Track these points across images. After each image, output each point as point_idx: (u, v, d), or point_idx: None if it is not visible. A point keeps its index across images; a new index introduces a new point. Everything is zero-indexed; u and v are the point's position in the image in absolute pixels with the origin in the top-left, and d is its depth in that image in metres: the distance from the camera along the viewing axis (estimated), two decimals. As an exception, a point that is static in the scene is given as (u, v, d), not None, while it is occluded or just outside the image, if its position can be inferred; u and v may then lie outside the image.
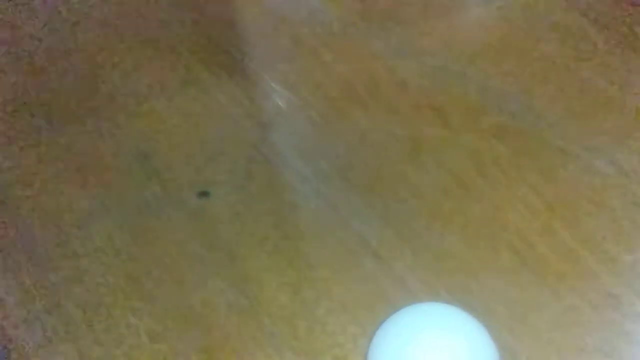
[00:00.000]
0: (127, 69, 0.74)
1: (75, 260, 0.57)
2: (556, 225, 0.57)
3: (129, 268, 0.56)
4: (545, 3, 0.76)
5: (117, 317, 0.53)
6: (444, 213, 0.59)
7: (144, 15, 0.80)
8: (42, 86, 0.72)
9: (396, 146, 0.64)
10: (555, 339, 0.50)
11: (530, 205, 0.58)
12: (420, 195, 0.60)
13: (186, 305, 0.54)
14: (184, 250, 0.57)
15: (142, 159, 0.64)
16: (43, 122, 0.69)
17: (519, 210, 0.58)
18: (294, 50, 0.75)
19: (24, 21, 0.81)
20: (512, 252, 0.55)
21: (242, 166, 0.63)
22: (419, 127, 0.65)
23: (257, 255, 0.57)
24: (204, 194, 0.61)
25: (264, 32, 0.78)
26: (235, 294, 0.54)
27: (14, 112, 0.70)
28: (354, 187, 0.61)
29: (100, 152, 0.65)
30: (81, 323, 0.53)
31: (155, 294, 0.54)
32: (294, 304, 0.53)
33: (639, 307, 0.51)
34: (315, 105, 0.69)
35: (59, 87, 0.72)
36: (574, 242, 0.56)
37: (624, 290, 0.52)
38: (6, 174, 0.64)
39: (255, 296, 0.54)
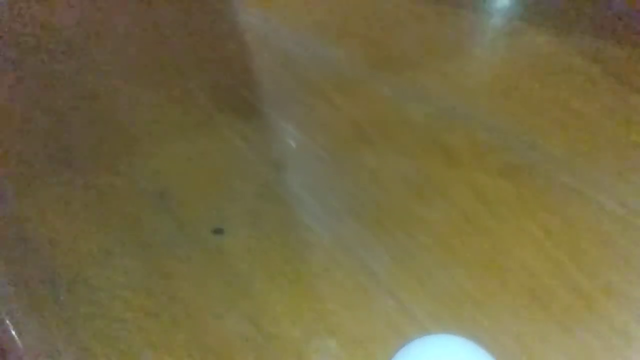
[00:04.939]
0: (143, 110, 0.76)
1: (94, 295, 0.58)
2: (563, 260, 0.58)
3: (146, 304, 0.57)
4: (548, 45, 0.78)
5: (135, 351, 0.54)
6: (452, 248, 0.60)
7: (160, 61, 0.82)
8: (61, 128, 0.74)
9: (405, 184, 0.66)
10: (563, 372, 0.51)
11: (536, 241, 0.59)
12: (428, 231, 0.61)
13: (202, 340, 0.55)
14: (200, 285, 0.58)
15: (158, 197, 0.66)
16: (62, 162, 0.71)
17: (526, 246, 0.59)
18: (303, 92, 0.77)
19: (46, 65, 0.83)
20: (520, 286, 0.56)
21: (254, 203, 0.65)
22: (427, 165, 0.67)
23: (270, 290, 0.58)
24: (218, 230, 0.63)
25: (273, 74, 0.80)
26: (250, 329, 0.55)
27: (34, 154, 0.72)
28: (364, 224, 0.62)
29: (117, 191, 0.67)
30: (100, 357, 0.54)
31: (172, 329, 0.55)
32: (307, 338, 0.54)
33: (647, 341, 0.52)
34: (325, 144, 0.70)
35: (77, 128, 0.74)
36: (581, 277, 0.56)
37: (633, 325, 0.53)
38: (26, 213, 0.66)
39: (269, 331, 0.55)
